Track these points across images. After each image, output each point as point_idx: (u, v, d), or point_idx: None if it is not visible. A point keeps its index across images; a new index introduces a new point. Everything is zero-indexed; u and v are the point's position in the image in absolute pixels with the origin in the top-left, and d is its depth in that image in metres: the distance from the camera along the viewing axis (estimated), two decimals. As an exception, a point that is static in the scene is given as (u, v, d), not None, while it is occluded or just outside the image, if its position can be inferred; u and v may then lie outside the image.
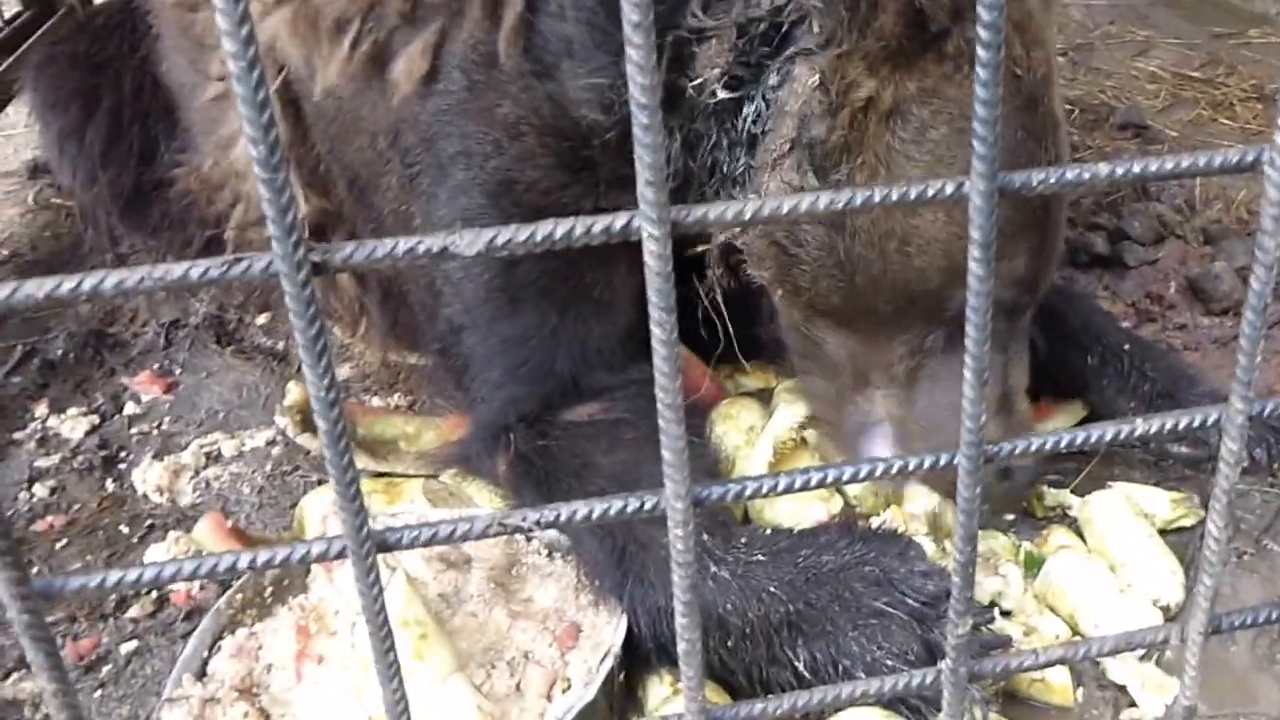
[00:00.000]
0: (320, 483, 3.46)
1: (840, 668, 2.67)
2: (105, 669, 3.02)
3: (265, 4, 3.36)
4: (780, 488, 1.25)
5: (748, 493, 1.24)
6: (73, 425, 3.91)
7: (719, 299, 3.20)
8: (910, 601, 2.66)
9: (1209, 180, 4.92)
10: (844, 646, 2.66)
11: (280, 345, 4.29)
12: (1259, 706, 2.76)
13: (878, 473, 1.26)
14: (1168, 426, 1.30)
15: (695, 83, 2.84)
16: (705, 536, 2.80)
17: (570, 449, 3.12)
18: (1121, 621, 2.89)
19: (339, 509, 1.14)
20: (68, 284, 0.97)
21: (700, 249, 3.13)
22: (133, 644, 3.07)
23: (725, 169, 2.91)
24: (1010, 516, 3.27)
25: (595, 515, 1.22)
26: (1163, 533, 3.16)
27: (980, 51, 1.01)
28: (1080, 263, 4.45)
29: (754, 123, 2.85)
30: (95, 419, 3.94)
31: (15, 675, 3.00)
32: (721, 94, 2.83)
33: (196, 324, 4.35)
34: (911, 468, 1.26)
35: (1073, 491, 3.37)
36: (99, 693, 2.96)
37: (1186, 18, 7.13)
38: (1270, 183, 1.11)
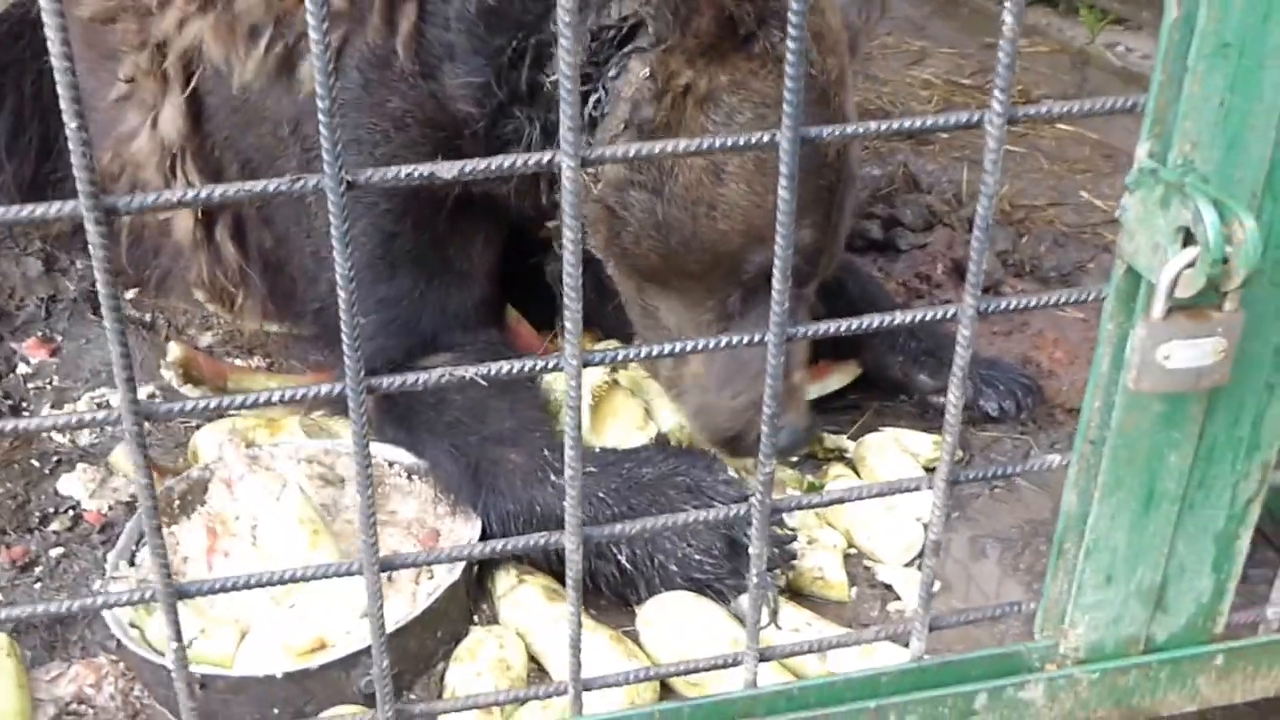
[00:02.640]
0: (200, 426, 3.69)
1: (656, 561, 3.02)
2: (38, 569, 3.31)
3: (188, 11, 3.65)
4: (643, 355, 1.66)
5: (620, 357, 1.65)
6: None
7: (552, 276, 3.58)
8: (716, 504, 2.99)
9: (974, 176, 5.23)
10: (659, 544, 3.01)
11: (148, 317, 4.51)
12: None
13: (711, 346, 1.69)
14: (917, 319, 1.72)
15: (551, 79, 3.15)
16: (546, 452, 3.13)
17: (429, 389, 3.39)
18: (888, 532, 3.26)
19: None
20: None
21: (551, 225, 3.45)
22: (59, 550, 3.37)
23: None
24: (795, 459, 3.58)
25: (506, 371, 1.60)
26: (927, 469, 3.49)
27: (790, 30, 1.42)
28: (857, 247, 4.74)
29: (594, 108, 3.12)
30: None
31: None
32: None
33: (74, 298, 4.55)
34: (724, 345, 1.67)
35: (849, 437, 3.71)
36: (37, 585, 3.25)
37: (960, 29, 7.50)
38: (990, 136, 1.55)
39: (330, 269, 3.42)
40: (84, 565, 3.33)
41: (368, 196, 3.50)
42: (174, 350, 4.02)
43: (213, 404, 1.54)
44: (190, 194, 1.43)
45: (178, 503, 3.24)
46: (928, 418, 3.85)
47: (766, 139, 1.53)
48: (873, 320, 1.68)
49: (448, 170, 1.45)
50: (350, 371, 1.52)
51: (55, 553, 3.37)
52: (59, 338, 4.40)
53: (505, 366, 1.59)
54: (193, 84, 3.74)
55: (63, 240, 4.69)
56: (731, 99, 3.05)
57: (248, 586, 1.64)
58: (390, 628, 2.70)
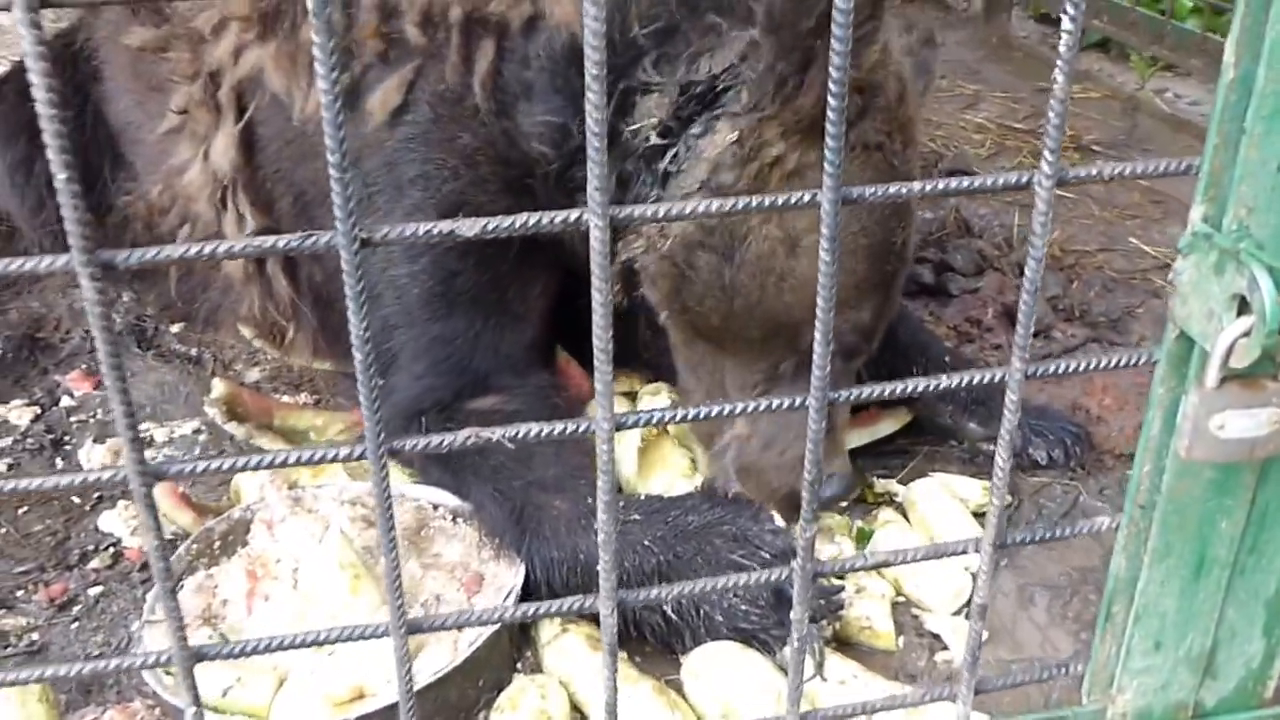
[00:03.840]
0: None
1: (701, 611, 2.96)
2: (76, 608, 3.26)
3: (244, 40, 3.62)
4: (678, 418, 1.59)
5: (655, 419, 1.57)
6: (19, 414, 4.12)
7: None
8: (762, 554, 2.96)
9: (1025, 221, 5.17)
10: (705, 594, 2.85)
11: (193, 351, 4.49)
12: (1053, 654, 3.04)
13: (749, 410, 1.62)
14: (964, 381, 1.65)
15: (632, 128, 3.09)
16: (591, 500, 3.06)
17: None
18: (936, 581, 3.20)
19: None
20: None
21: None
22: (98, 589, 3.32)
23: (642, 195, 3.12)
24: (845, 503, 3.48)
25: (535, 434, 1.54)
26: (976, 515, 3.45)
27: (830, 100, 1.36)
28: (909, 291, 4.67)
29: (670, 163, 3.07)
30: (37, 409, 4.14)
31: (0, 611, 3.26)
32: (655, 140, 3.07)
33: (119, 331, 4.50)
34: (762, 408, 1.61)
35: (899, 482, 3.66)
36: (74, 625, 3.20)
37: (1013, 73, 7.46)
38: (1039, 198, 1.48)
39: (380, 307, 3.51)
40: (123, 605, 3.28)
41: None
42: (218, 387, 3.99)
43: (225, 465, 1.47)
44: (194, 250, 1.35)
45: (218, 543, 3.20)
46: (977, 463, 3.79)
47: (807, 198, 1.46)
48: (918, 384, 1.61)
49: (469, 228, 1.38)
50: (370, 433, 1.45)
51: (94, 591, 3.33)
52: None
53: (535, 429, 1.52)
54: (247, 114, 3.69)
55: (110, 273, 4.59)
56: (818, 175, 2.93)
57: (269, 650, 1.57)
58: (429, 677, 2.68)
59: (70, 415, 4.16)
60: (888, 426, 3.88)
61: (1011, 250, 5.08)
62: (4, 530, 3.57)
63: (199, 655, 1.57)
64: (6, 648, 3.14)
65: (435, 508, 3.30)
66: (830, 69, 1.33)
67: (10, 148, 4.54)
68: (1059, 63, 1.37)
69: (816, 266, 1.49)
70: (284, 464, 1.49)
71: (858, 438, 3.77)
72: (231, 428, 3.90)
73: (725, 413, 1.63)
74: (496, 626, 2.85)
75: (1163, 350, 1.64)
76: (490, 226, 1.39)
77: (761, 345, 3.22)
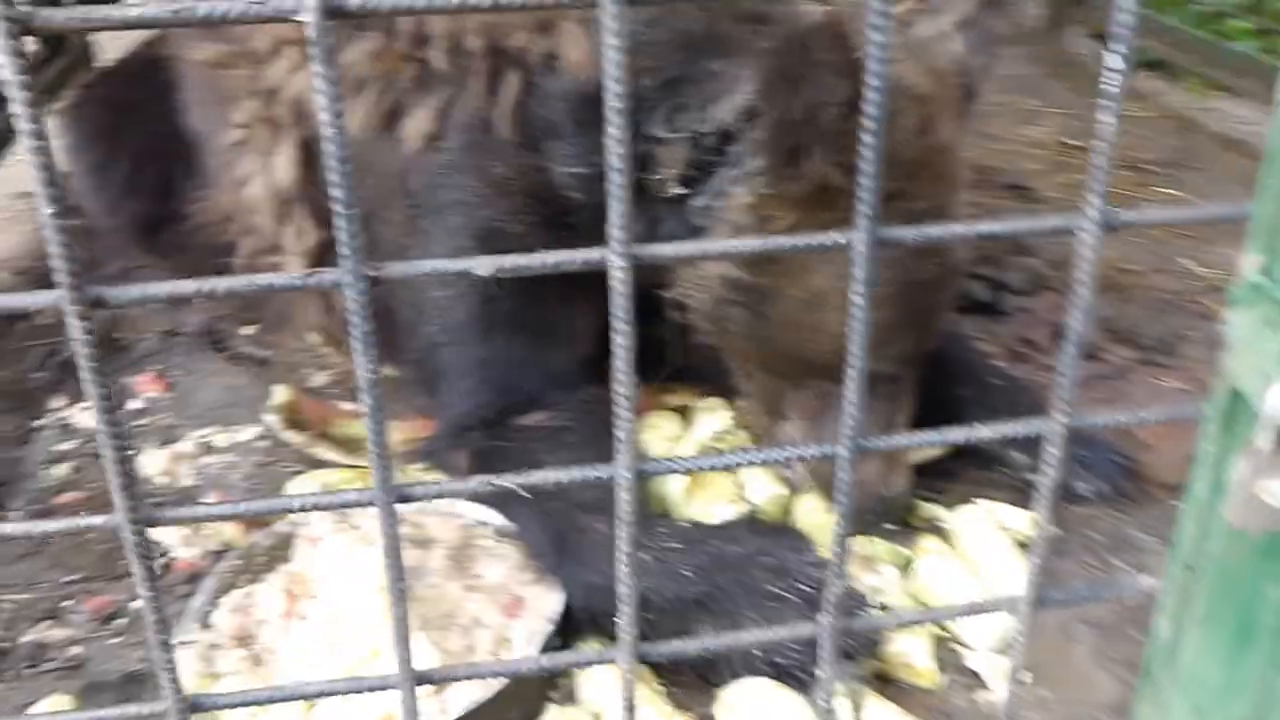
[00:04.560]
0: (299, 473, 3.61)
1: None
2: (119, 622, 3.17)
3: (298, 60, 3.58)
4: (706, 466, 1.47)
5: (681, 468, 1.45)
6: (86, 416, 4.04)
7: (666, 334, 3.37)
8: (802, 587, 2.83)
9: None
10: (744, 624, 2.80)
11: (263, 354, 4.44)
12: (1095, 695, 2.90)
13: (776, 458, 1.49)
14: (1002, 434, 1.52)
15: (656, 179, 3.01)
16: None
17: (521, 448, 3.30)
18: (979, 618, 3.03)
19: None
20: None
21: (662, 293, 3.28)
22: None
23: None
24: (890, 527, 3.36)
25: (552, 481, 1.42)
26: (1022, 546, 3.28)
27: (865, 137, 1.23)
28: (963, 308, 4.53)
29: (701, 217, 3.02)
30: None
31: (46, 622, 3.16)
32: (676, 190, 3.01)
33: (191, 333, 4.50)
34: (800, 455, 1.48)
35: (945, 507, 3.50)
36: (115, 640, 3.11)
37: (1073, 89, 7.31)
38: (1084, 245, 1.34)
39: (429, 321, 3.43)
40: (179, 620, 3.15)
41: (465, 254, 3.30)
42: (278, 394, 3.92)
43: (215, 511, 1.37)
44: (182, 287, 1.23)
45: (263, 559, 3.11)
46: (1027, 492, 3.55)
47: (843, 241, 1.33)
48: (956, 435, 1.48)
49: (485, 266, 1.27)
50: (378, 481, 1.33)
51: (136, 604, 3.21)
52: (175, 372, 4.32)
53: (551, 476, 1.40)
54: (306, 132, 3.63)
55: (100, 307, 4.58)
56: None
57: (267, 701, 1.46)
58: (460, 710, 2.57)
59: (134, 419, 4.08)
60: (934, 449, 3.68)
61: (1068, 269, 4.86)
62: (59, 537, 3.45)
63: (195, 706, 1.45)
64: (49, 660, 3.06)
65: (482, 525, 3.20)
66: (867, 82, 1.19)
67: (90, 150, 4.54)
68: (1102, 101, 1.24)
69: (840, 319, 1.41)
70: (299, 509, 1.38)
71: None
72: (289, 436, 3.83)
73: (749, 462, 1.51)
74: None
75: (1211, 406, 1.49)
76: (507, 264, 1.27)
77: (809, 374, 3.17)
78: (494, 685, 2.69)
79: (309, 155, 3.68)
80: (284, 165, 3.70)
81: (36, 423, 4.07)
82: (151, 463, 3.80)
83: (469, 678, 1.56)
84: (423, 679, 1.49)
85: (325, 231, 3.75)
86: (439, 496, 1.40)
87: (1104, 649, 3.05)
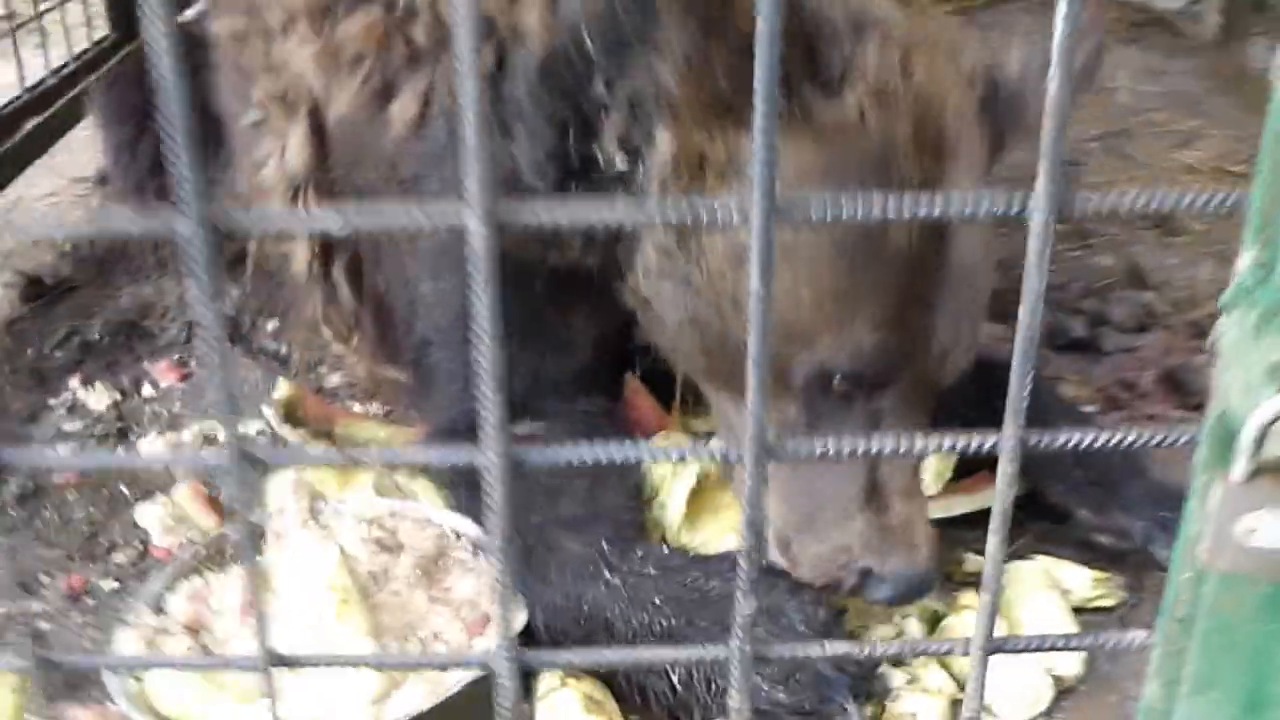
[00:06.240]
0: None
1: (714, 686, 2.61)
2: (89, 600, 3.20)
3: (302, 38, 3.46)
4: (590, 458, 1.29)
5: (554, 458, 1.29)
6: (98, 398, 4.08)
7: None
8: (797, 629, 2.62)
9: (1217, 273, 4.61)
10: (721, 667, 2.59)
11: (283, 350, 4.43)
12: None
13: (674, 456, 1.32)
14: (948, 444, 1.30)
15: (602, 151, 2.81)
16: (605, 545, 2.81)
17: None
18: (1010, 681, 2.77)
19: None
20: None
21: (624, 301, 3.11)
22: (114, 584, 3.24)
23: (625, 229, 2.87)
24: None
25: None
26: (1082, 610, 3.01)
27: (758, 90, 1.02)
28: (1056, 345, 4.26)
29: (640, 184, 2.80)
30: (118, 395, 4.11)
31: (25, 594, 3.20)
32: (620, 165, 2.80)
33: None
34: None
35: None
36: (81, 619, 3.14)
37: (1241, 106, 6.53)
38: (1033, 233, 1.11)
39: (421, 321, 3.29)
40: (130, 603, 3.05)
41: (456, 250, 3.14)
42: (281, 388, 3.85)
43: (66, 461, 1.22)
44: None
45: (230, 551, 3.00)
46: (1094, 549, 3.28)
47: (735, 209, 1.11)
48: (886, 443, 1.30)
49: (333, 221, 1.10)
50: (229, 441, 1.16)
51: (109, 586, 3.23)
52: (193, 362, 4.31)
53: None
54: (313, 114, 3.54)
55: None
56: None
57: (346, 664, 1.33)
58: (401, 717, 2.47)
59: (147, 405, 4.11)
60: (986, 499, 3.26)
61: (1194, 307, 4.56)
62: (48, 514, 3.53)
63: (279, 660, 1.36)
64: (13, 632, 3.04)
65: (457, 536, 3.06)
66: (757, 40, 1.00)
67: (120, 128, 4.72)
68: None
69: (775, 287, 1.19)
70: (130, 465, 1.23)
71: (959, 505, 3.29)
72: (286, 431, 3.73)
73: (653, 457, 1.31)
74: (482, 675, 2.55)
75: (1204, 429, 1.25)
76: (355, 220, 1.16)
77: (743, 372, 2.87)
78: (440, 696, 2.55)
79: (320, 139, 3.56)
80: (297, 149, 3.58)
81: (51, 401, 4.12)
82: (149, 450, 3.75)
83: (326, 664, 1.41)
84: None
85: None
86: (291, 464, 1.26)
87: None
